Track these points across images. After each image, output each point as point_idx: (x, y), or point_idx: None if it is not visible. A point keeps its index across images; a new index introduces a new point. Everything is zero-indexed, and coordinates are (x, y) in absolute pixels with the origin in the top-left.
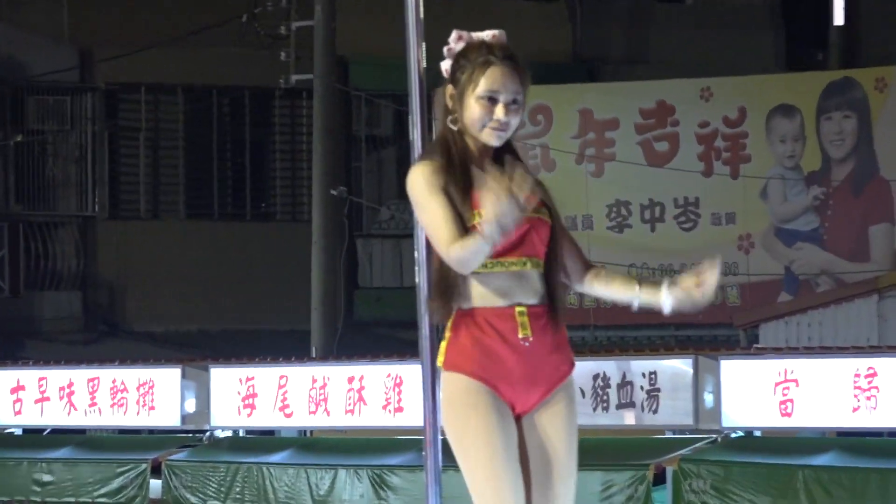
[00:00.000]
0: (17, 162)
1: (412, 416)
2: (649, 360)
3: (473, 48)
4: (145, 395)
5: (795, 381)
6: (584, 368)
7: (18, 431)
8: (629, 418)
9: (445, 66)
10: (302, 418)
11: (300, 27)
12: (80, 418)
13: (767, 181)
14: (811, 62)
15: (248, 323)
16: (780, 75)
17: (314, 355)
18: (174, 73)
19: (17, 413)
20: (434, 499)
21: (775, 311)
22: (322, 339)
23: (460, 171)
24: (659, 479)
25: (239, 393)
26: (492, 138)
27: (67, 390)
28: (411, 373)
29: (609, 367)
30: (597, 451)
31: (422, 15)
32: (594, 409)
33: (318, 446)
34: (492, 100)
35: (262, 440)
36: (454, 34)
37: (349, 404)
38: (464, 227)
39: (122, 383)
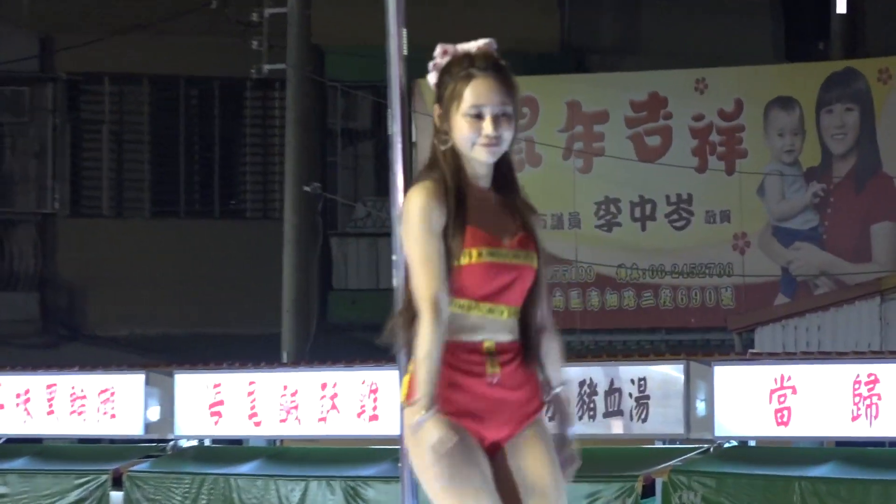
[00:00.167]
0: None
1: (388, 424)
2: (638, 365)
3: (456, 62)
4: (106, 403)
5: (792, 388)
6: (571, 375)
7: None
8: (617, 427)
9: (432, 79)
10: (272, 427)
11: (273, 14)
12: (36, 427)
13: (764, 177)
14: (811, 52)
15: (216, 326)
16: (778, 66)
17: (285, 360)
18: (139, 63)
19: None
20: None
21: (772, 315)
22: (294, 344)
23: (455, 200)
24: (648, 490)
25: (205, 400)
26: (484, 155)
27: (24, 397)
28: (387, 379)
29: (596, 373)
30: (584, 462)
31: (403, 1)
32: (580, 418)
33: (289, 456)
34: (478, 115)
35: (230, 450)
36: (439, 48)
37: (322, 412)
38: (448, 266)
39: (82, 390)
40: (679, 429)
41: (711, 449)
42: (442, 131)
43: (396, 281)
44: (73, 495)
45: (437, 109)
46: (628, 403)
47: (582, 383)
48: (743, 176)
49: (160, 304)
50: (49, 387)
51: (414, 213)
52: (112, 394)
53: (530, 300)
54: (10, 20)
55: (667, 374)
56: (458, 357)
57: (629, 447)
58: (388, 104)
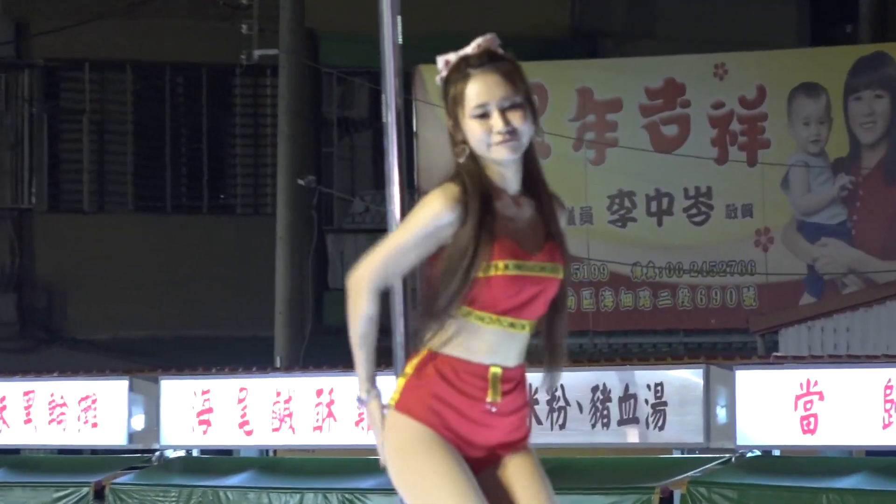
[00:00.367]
0: None
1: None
2: (655, 370)
3: (453, 70)
4: (87, 411)
5: (819, 393)
6: (583, 380)
7: None
8: (632, 436)
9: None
10: (264, 436)
11: None
12: (13, 437)
13: (789, 169)
14: (838, 35)
15: (204, 329)
16: (803, 50)
17: (278, 365)
18: (122, 48)
19: None
20: None
21: (797, 315)
22: (287, 347)
23: (481, 209)
24: (665, 503)
25: (193, 408)
26: (503, 153)
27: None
28: (386, 385)
29: (610, 378)
30: (596, 473)
31: None
32: (593, 426)
33: (282, 467)
34: (484, 115)
35: (219, 461)
36: (440, 61)
37: (317, 420)
38: (471, 278)
39: (62, 397)
40: (698, 437)
41: (733, 459)
42: (458, 142)
43: (395, 335)
44: None
45: (448, 122)
46: (644, 410)
47: (595, 389)
48: (766, 167)
49: (145, 305)
50: (26, 394)
51: (422, 213)
52: (94, 401)
53: (554, 309)
54: None
55: (685, 378)
56: (461, 377)
57: (645, 457)
58: (383, 92)
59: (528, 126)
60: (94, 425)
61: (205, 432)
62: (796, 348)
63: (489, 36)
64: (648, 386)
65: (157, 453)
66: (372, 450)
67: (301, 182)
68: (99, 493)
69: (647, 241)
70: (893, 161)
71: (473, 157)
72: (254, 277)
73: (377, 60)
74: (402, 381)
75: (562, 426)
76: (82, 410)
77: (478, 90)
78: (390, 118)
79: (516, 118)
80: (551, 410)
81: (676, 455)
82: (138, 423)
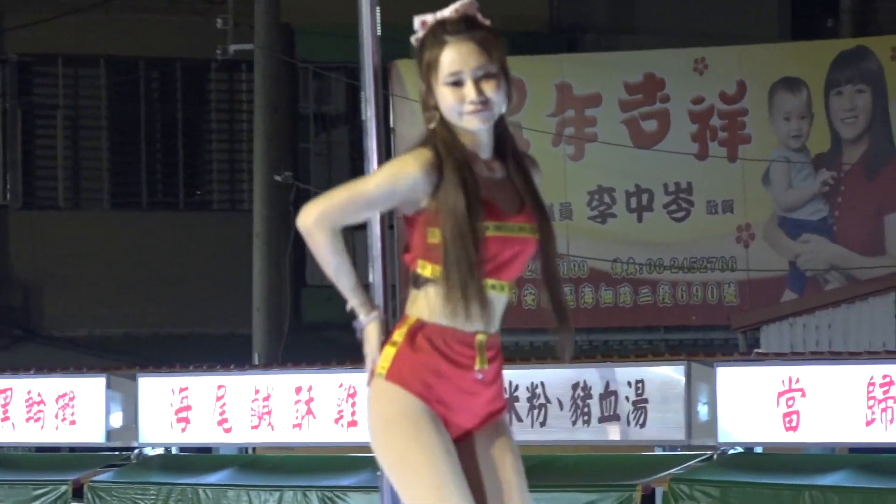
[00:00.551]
0: None
1: (367, 430)
2: (636, 367)
3: (429, 34)
4: (65, 409)
5: (801, 390)
6: (563, 377)
7: None
8: (613, 433)
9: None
10: (243, 434)
11: None
12: None
13: (770, 165)
14: (819, 29)
15: (182, 326)
16: (784, 44)
17: (257, 362)
18: (96, 43)
19: None
20: None
21: (778, 312)
22: (265, 344)
23: (458, 173)
24: (647, 501)
25: (171, 405)
26: (474, 122)
27: None
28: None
29: (591, 375)
30: (577, 470)
31: None
32: (574, 423)
33: (262, 465)
34: (458, 82)
35: (198, 458)
36: (417, 22)
37: (296, 418)
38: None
39: (39, 395)
40: (680, 435)
41: (714, 456)
42: (430, 108)
43: (373, 276)
44: None
45: (421, 86)
46: (625, 407)
47: (575, 386)
48: (746, 163)
49: (121, 302)
50: (3, 391)
51: (391, 170)
52: (71, 399)
53: (549, 273)
54: None
55: (666, 375)
56: (451, 347)
57: (626, 454)
58: (362, 87)
59: (502, 96)
60: (72, 423)
61: (183, 430)
62: (778, 345)
63: (466, 1)
64: (629, 383)
65: (136, 451)
66: (352, 447)
67: (278, 178)
68: (77, 491)
69: (627, 238)
70: (875, 156)
71: (445, 123)
72: (231, 274)
73: (354, 55)
74: (391, 350)
75: (542, 423)
76: (60, 408)
77: (452, 58)
78: (370, 113)
79: (490, 88)
80: (531, 408)
81: (658, 452)
82: (116, 420)
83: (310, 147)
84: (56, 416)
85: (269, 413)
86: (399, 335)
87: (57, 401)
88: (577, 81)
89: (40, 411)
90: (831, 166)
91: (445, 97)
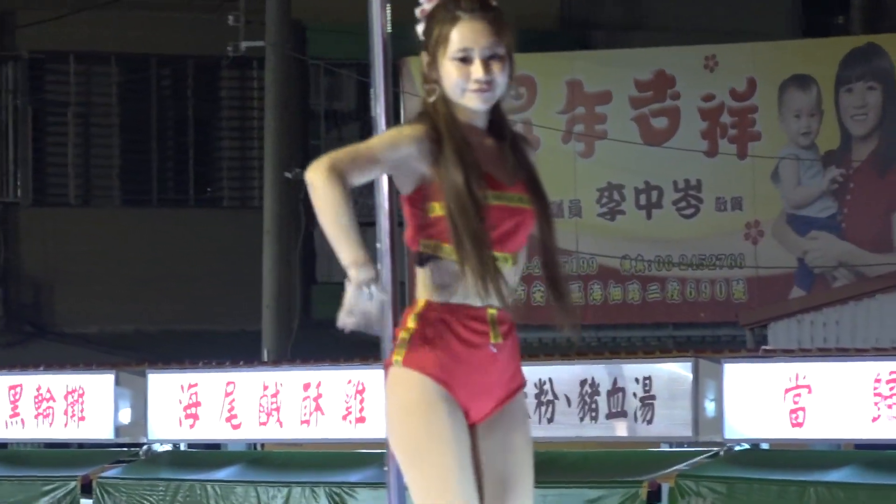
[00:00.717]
0: None
1: (375, 427)
2: (643, 363)
3: (441, 5)
4: (74, 405)
5: (808, 387)
6: (571, 373)
7: None
8: (621, 429)
9: (420, 29)
10: (251, 430)
11: None
12: (0, 431)
13: (779, 162)
14: (830, 26)
15: (191, 323)
16: (794, 42)
17: (266, 359)
18: (107, 40)
19: None
20: None
21: (786, 309)
22: (275, 341)
23: (454, 144)
24: (654, 497)
25: (180, 401)
26: (476, 101)
27: None
28: (374, 378)
29: (598, 371)
30: (585, 466)
31: None
32: (581, 419)
33: (270, 461)
34: (465, 59)
35: (207, 455)
36: None
37: (305, 414)
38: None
39: (49, 391)
40: (687, 431)
41: (721, 452)
42: (430, 80)
43: (382, 271)
44: (41, 503)
45: (424, 57)
46: (633, 404)
47: (583, 382)
48: (756, 160)
49: (131, 298)
50: (12, 388)
51: (391, 133)
52: (80, 395)
53: (547, 250)
54: None
55: (674, 372)
56: (465, 325)
57: (633, 450)
58: (372, 84)
59: (505, 80)
60: (82, 419)
61: (192, 426)
62: (786, 342)
63: None
64: (637, 379)
65: (145, 447)
66: (360, 443)
67: (288, 175)
68: (86, 486)
69: (636, 235)
70: (885, 153)
71: (444, 98)
72: (241, 271)
73: (365, 52)
74: (405, 336)
75: (550, 420)
76: (69, 404)
77: (464, 34)
78: (379, 110)
79: (497, 69)
80: (539, 404)
81: (665, 449)
82: (125, 416)
83: (321, 144)
84: (65, 413)
85: (277, 409)
86: (412, 321)
87: (66, 397)
88: (588, 78)
89: (49, 407)
90: (840, 163)
91: (450, 72)
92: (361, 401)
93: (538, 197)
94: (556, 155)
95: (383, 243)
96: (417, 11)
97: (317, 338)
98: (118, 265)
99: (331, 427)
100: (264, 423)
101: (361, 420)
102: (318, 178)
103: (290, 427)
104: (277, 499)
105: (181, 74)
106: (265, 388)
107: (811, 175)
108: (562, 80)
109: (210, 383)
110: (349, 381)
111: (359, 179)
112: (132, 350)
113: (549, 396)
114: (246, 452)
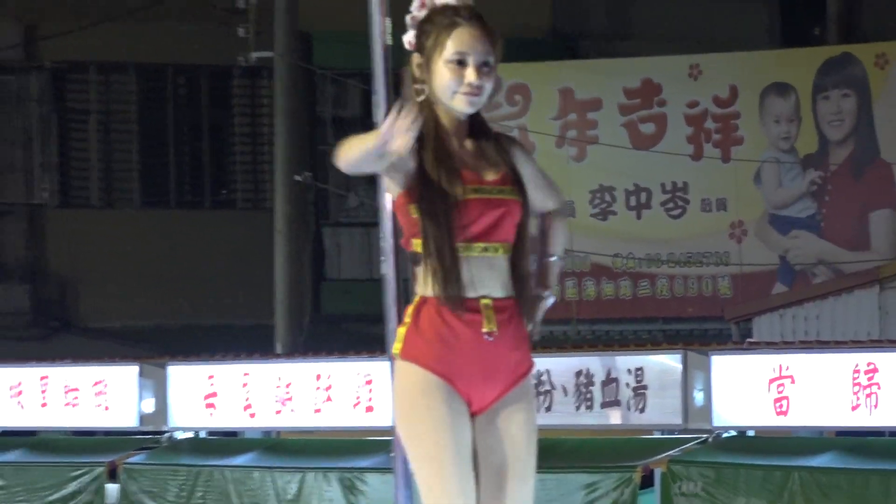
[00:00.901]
0: None
1: (383, 415)
2: (636, 355)
3: (438, 12)
4: (100, 395)
5: (791, 377)
6: (567, 365)
7: None
8: (614, 417)
9: (408, 37)
10: (267, 418)
11: (260, 0)
12: (30, 419)
13: (761, 165)
14: (807, 37)
15: (209, 318)
16: (773, 51)
17: (279, 352)
18: (126, 51)
19: None
20: (404, 503)
21: (769, 304)
22: (287, 335)
23: (435, 143)
24: (646, 481)
25: (199, 392)
26: (464, 105)
27: (16, 389)
28: (382, 370)
29: (593, 363)
30: (580, 453)
31: None
32: (577, 408)
33: (285, 448)
34: (461, 63)
35: (225, 442)
36: (416, 1)
37: (317, 403)
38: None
39: (76, 382)
40: (677, 419)
41: (710, 439)
42: (419, 81)
43: (385, 270)
44: (69, 488)
45: (416, 58)
46: (626, 394)
47: (578, 373)
48: (739, 163)
49: (152, 295)
50: (42, 379)
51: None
52: (106, 386)
53: (521, 237)
54: None
55: (664, 364)
56: (456, 315)
57: (627, 438)
58: (373, 92)
59: (491, 88)
60: (107, 409)
61: (211, 415)
62: (769, 335)
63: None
64: (629, 371)
65: (167, 435)
66: (369, 431)
67: (298, 178)
68: (112, 472)
69: (626, 234)
70: (860, 157)
71: (429, 101)
72: (255, 269)
73: (368, 62)
74: (402, 330)
75: (548, 409)
76: (95, 395)
77: (463, 38)
78: (381, 117)
79: (486, 78)
80: (538, 394)
81: (656, 436)
82: (148, 406)
83: (328, 149)
84: (91, 402)
85: (290, 399)
86: (408, 315)
87: (92, 387)
88: (579, 86)
89: (76, 398)
90: (819, 166)
91: (443, 74)
92: (370, 391)
93: (521, 191)
94: (550, 159)
95: (387, 242)
96: (408, 18)
97: (327, 332)
98: (139, 263)
99: (341, 416)
100: (279, 412)
101: (370, 409)
102: (339, 154)
103: (304, 416)
104: (292, 483)
105: (196, 83)
106: (279, 379)
107: (791, 177)
108: (554, 87)
109: (227, 375)
110: (358, 373)
111: (366, 162)
112: (153, 343)
113: (547, 387)
114: (262, 440)
